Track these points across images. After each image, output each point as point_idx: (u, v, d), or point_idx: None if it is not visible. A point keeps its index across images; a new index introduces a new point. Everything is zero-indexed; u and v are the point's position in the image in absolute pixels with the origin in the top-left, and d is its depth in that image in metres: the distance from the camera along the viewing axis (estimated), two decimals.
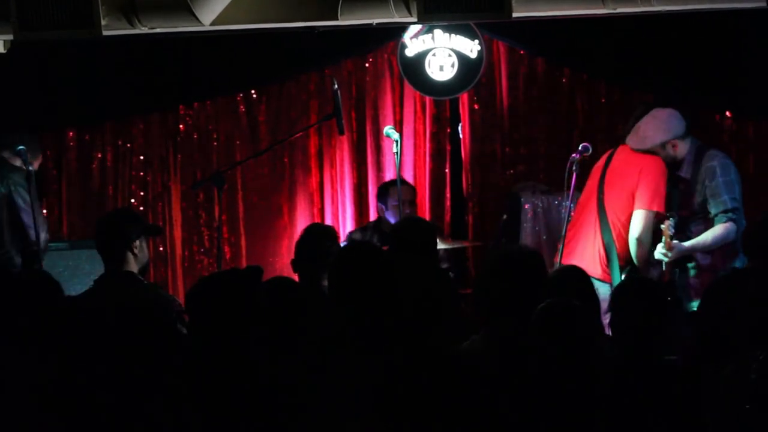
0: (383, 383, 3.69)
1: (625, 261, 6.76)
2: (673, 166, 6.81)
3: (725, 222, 6.67)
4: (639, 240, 6.71)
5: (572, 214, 7.00)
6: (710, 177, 6.73)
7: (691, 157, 6.80)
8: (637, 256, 6.72)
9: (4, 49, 6.92)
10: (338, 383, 3.87)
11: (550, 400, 3.84)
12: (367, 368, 3.80)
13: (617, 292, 4.51)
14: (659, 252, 6.57)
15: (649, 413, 3.99)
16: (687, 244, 6.67)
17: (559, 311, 4.04)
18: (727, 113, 7.94)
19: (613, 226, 6.77)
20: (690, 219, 6.78)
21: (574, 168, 6.62)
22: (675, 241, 6.59)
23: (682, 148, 6.80)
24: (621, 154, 6.92)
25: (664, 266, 6.61)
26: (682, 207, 6.81)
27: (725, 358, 4.04)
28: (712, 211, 6.70)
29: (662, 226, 6.52)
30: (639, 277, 6.01)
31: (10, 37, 6.39)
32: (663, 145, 6.78)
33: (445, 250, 7.82)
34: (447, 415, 3.63)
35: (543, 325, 4.02)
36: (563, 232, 6.67)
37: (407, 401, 3.63)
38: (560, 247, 6.63)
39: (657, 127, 6.79)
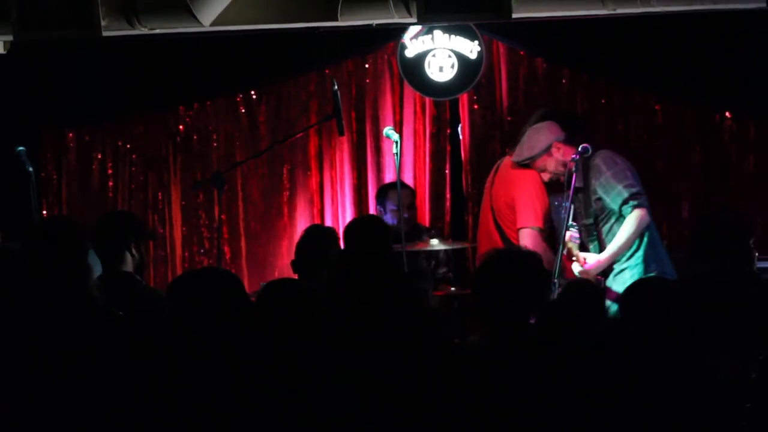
0: (384, 383, 3.69)
1: None
2: (568, 180, 6.76)
3: (631, 212, 6.56)
4: None
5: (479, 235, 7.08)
6: (597, 175, 6.68)
7: (580, 165, 6.72)
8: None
9: (4, 50, 6.93)
10: (339, 384, 3.87)
11: (552, 401, 3.84)
12: (369, 369, 3.81)
13: (627, 295, 4.52)
14: (577, 270, 6.55)
15: (661, 413, 3.99)
16: (603, 255, 6.60)
17: (559, 313, 4.05)
18: (727, 113, 7.93)
19: (513, 241, 6.78)
20: (594, 224, 6.74)
21: (574, 169, 6.61)
22: (586, 254, 6.56)
23: (570, 154, 6.72)
24: (501, 170, 6.93)
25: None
26: (587, 216, 6.78)
27: (726, 358, 4.04)
28: (614, 207, 6.61)
29: (565, 239, 6.47)
30: (649, 279, 6.00)
31: (11, 37, 6.40)
32: (549, 150, 6.74)
33: (445, 251, 7.83)
34: (448, 415, 3.63)
35: (545, 326, 4.03)
36: (563, 234, 6.65)
37: (409, 401, 3.63)
38: (559, 248, 6.62)
39: (536, 134, 6.82)
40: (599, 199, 6.67)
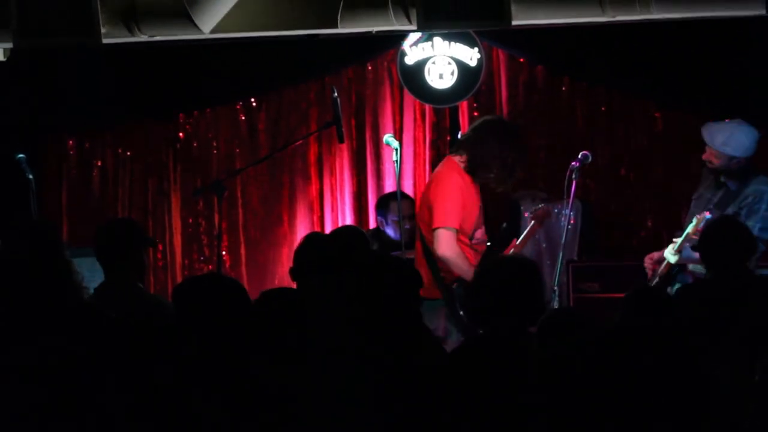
0: (384, 384, 3.70)
1: (453, 277, 6.46)
2: (724, 172, 6.64)
3: None
4: (443, 258, 6.42)
5: None
6: (757, 200, 6.51)
7: (741, 174, 6.61)
8: (454, 274, 6.43)
9: (4, 57, 6.93)
10: (339, 389, 3.87)
11: (551, 404, 3.84)
12: (368, 373, 3.81)
13: (627, 300, 4.53)
14: (668, 252, 6.49)
15: (660, 416, 3.99)
16: (698, 254, 6.56)
17: (559, 317, 4.05)
18: (727, 120, 7.93)
19: (429, 244, 6.56)
20: None
21: (573, 176, 6.59)
22: (688, 245, 6.49)
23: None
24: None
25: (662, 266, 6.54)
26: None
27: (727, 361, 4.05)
28: None
29: (696, 216, 6.38)
30: (646, 287, 5.98)
31: (11, 45, 6.40)
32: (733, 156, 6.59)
33: None
34: (448, 416, 3.64)
35: (545, 330, 4.03)
36: (562, 241, 6.65)
37: (409, 402, 3.64)
38: (560, 253, 6.61)
39: (742, 134, 6.64)
40: (737, 211, 6.54)
